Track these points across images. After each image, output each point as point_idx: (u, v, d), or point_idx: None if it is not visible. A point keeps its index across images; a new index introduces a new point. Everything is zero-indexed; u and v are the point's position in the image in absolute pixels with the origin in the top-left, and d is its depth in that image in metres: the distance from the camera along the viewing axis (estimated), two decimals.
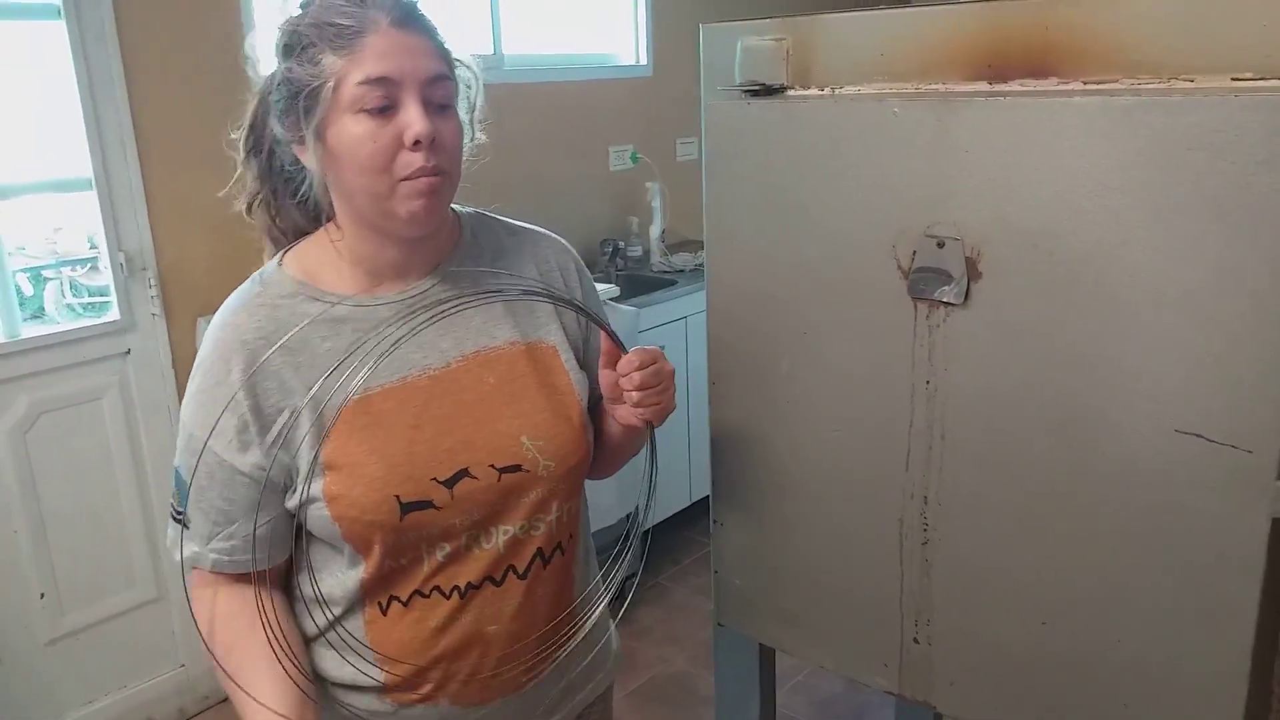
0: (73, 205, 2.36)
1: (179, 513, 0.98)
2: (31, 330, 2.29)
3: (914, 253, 0.96)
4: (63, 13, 2.16)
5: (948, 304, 0.95)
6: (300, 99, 0.91)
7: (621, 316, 2.73)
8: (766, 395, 1.13)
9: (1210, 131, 0.78)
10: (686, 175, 3.71)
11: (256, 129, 1.00)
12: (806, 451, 1.11)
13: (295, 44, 0.92)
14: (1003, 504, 0.96)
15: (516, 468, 1.00)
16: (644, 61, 3.64)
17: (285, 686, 0.93)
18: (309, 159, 0.94)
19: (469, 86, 1.01)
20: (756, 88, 1.10)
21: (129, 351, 2.36)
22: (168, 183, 2.32)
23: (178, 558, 0.98)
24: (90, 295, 2.57)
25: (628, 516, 2.92)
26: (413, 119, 0.90)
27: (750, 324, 1.13)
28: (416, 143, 0.90)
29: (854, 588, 1.11)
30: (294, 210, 1.03)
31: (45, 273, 2.48)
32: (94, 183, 2.25)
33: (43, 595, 2.30)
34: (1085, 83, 0.91)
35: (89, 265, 2.48)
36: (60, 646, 2.35)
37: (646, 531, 2.93)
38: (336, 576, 0.99)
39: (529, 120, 3.20)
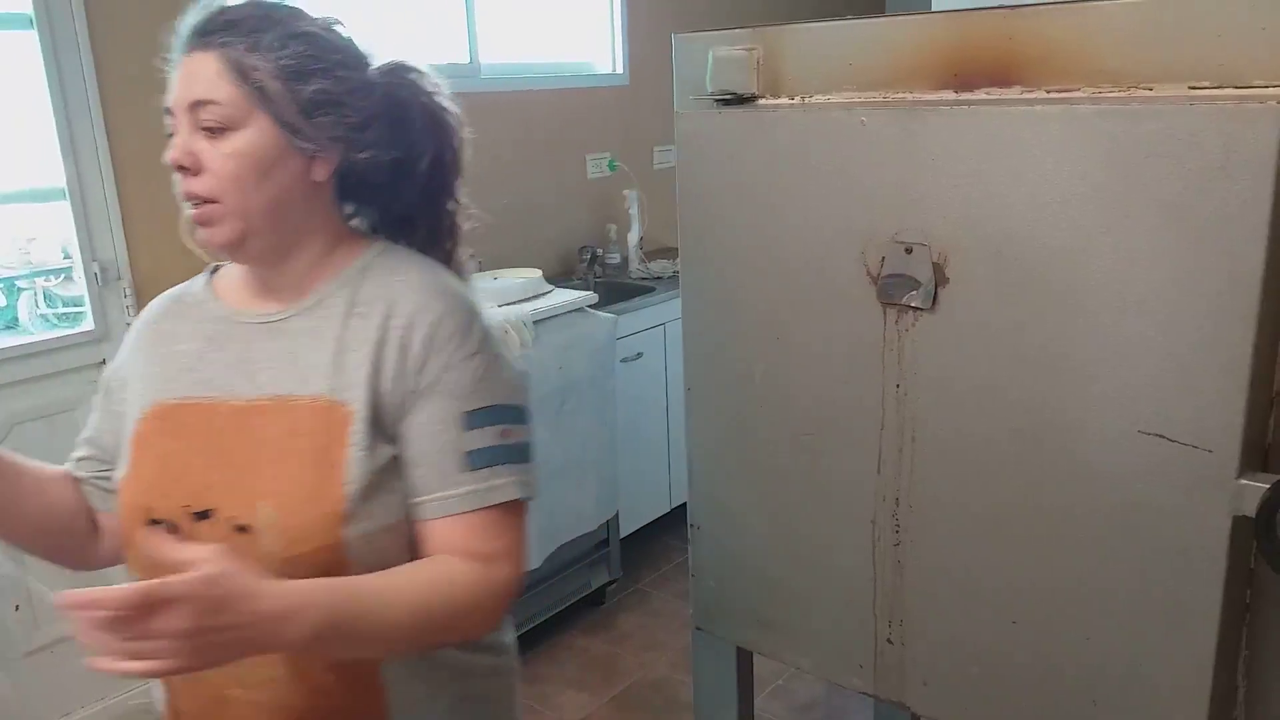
0: (47, 215, 2.35)
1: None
2: (5, 341, 2.28)
3: (883, 259, 0.98)
4: (35, 22, 2.15)
5: (916, 309, 0.97)
6: None
7: (599, 324, 2.74)
8: (741, 401, 1.14)
9: (1168, 139, 0.80)
10: (664, 183, 3.73)
11: None
12: (781, 456, 1.12)
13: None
14: (972, 505, 0.98)
15: (246, 530, 0.89)
16: (620, 70, 3.65)
17: None
18: None
19: (296, 83, 0.89)
20: (728, 97, 1.11)
21: (104, 362, 2.34)
22: (142, 192, 2.31)
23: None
24: (65, 306, 2.55)
25: (605, 524, 2.93)
26: (172, 145, 0.90)
27: (724, 330, 1.14)
28: (175, 166, 0.89)
29: (829, 590, 1.12)
30: None
31: (19, 283, 2.46)
32: (67, 193, 2.24)
33: (17, 607, 2.28)
34: (1049, 91, 0.93)
35: (63, 276, 2.46)
36: (37, 659, 2.33)
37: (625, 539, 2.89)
38: None
39: (506, 129, 3.21)
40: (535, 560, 2.61)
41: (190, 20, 0.91)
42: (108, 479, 1.01)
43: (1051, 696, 0.97)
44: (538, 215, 3.39)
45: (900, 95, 1.01)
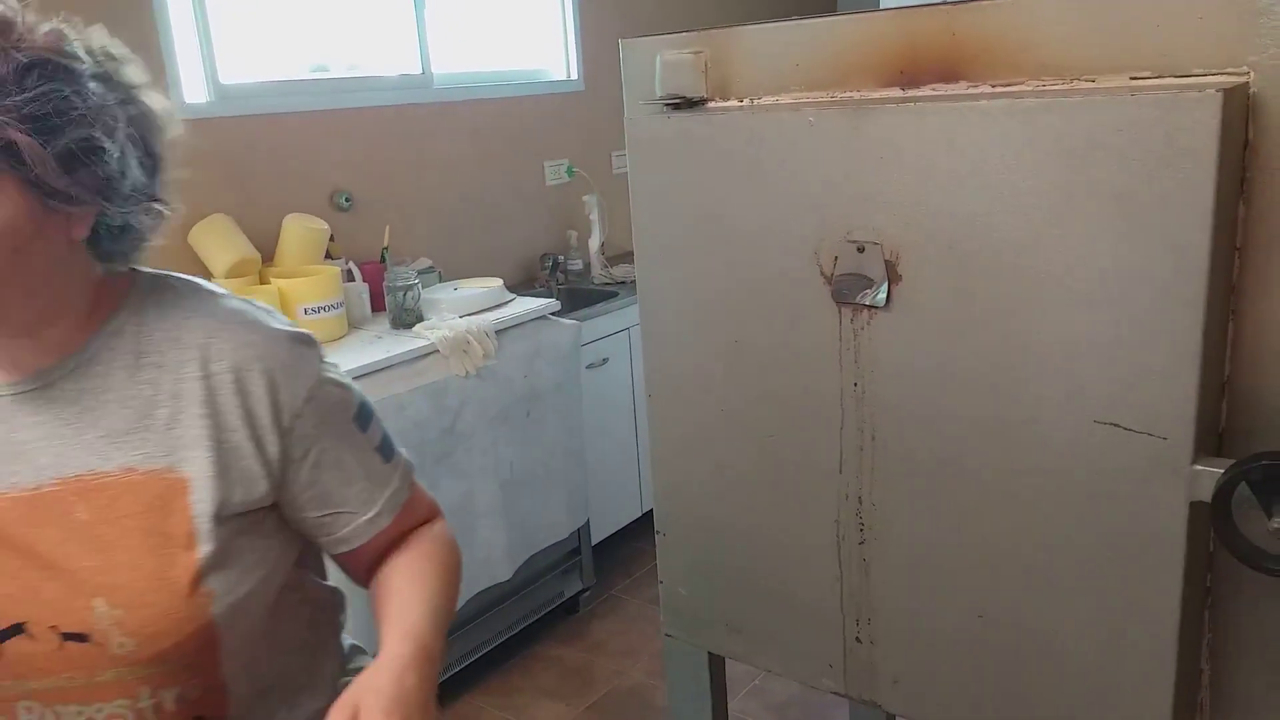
0: None
1: None
2: None
3: (835, 258, 0.98)
4: None
5: (871, 307, 0.97)
6: None
7: (563, 331, 2.73)
8: (702, 404, 1.14)
9: (1111, 130, 0.80)
10: (624, 187, 3.71)
11: None
12: (743, 458, 1.12)
13: None
14: (934, 501, 0.98)
15: (83, 638, 0.78)
16: (574, 76, 3.65)
17: None
18: None
19: (48, 136, 0.71)
20: (677, 101, 1.11)
21: None
22: None
23: None
24: None
25: (577, 532, 2.91)
26: None
27: (682, 334, 1.14)
28: None
29: (796, 591, 1.12)
30: None
31: None
32: None
33: None
34: (994, 86, 0.94)
35: None
36: None
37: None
38: None
39: (461, 139, 3.19)
40: (506, 571, 2.59)
41: None
42: None
43: (1019, 686, 0.97)
44: (497, 224, 3.37)
45: (848, 94, 1.01)
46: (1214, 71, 0.83)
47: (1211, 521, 0.82)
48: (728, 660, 1.27)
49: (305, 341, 0.90)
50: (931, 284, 0.93)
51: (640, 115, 1.13)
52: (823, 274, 1.00)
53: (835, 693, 1.12)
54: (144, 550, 0.79)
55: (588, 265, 3.56)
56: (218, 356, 0.83)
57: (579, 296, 3.32)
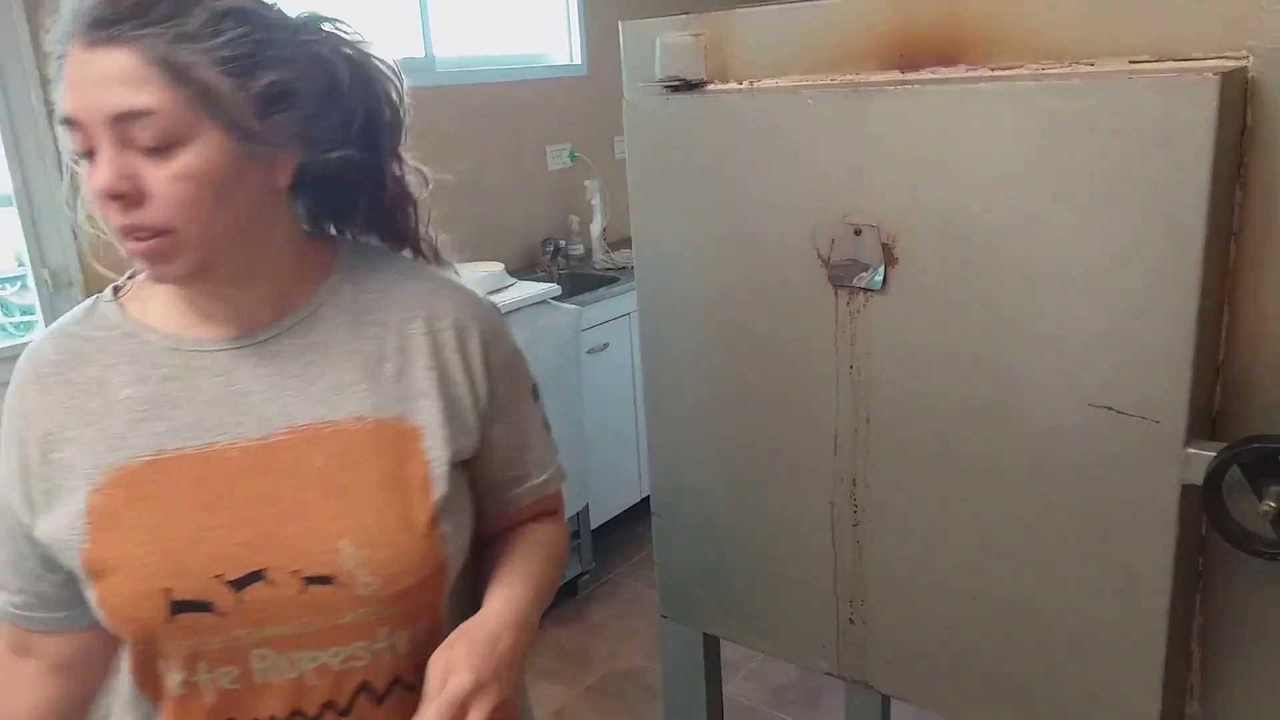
0: None
1: None
2: None
3: (832, 241, 0.98)
4: None
5: (867, 290, 0.97)
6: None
7: (563, 316, 2.73)
8: (699, 387, 1.14)
9: (1108, 113, 0.80)
10: (625, 172, 3.72)
11: None
12: (739, 441, 1.12)
13: (53, 62, 0.75)
14: (928, 483, 0.98)
15: (327, 579, 0.79)
16: (578, 60, 3.64)
17: None
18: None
19: (244, 78, 0.74)
20: (676, 83, 1.11)
21: None
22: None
23: None
24: (21, 314, 2.51)
25: (576, 516, 2.92)
26: (97, 169, 0.72)
27: (680, 317, 1.14)
28: (106, 195, 0.73)
29: (790, 572, 1.12)
30: None
31: None
32: (14, 199, 2.20)
33: None
34: (993, 69, 0.94)
35: (19, 284, 2.42)
36: None
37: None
38: (124, 661, 0.84)
39: (464, 122, 3.18)
40: None
41: (84, 5, 0.71)
42: (41, 606, 0.86)
43: (1011, 668, 0.98)
44: (498, 208, 3.37)
45: (848, 77, 1.01)
46: (1212, 56, 0.83)
47: (1203, 504, 0.82)
48: (725, 643, 1.27)
49: (501, 312, 0.99)
50: (928, 267, 0.93)
51: (639, 97, 1.13)
52: (820, 257, 1.00)
53: (829, 673, 1.13)
54: (384, 493, 0.82)
55: (589, 250, 3.57)
56: (440, 315, 0.89)
57: (580, 281, 3.32)
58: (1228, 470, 0.80)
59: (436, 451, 0.84)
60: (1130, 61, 0.86)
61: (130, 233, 0.74)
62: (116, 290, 0.89)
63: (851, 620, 1.08)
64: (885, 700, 1.91)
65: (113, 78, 0.71)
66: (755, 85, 1.07)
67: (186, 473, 0.79)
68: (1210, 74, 0.75)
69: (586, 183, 3.49)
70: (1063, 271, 0.85)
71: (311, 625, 0.80)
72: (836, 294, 1.00)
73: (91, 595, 0.79)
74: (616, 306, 3.10)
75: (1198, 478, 0.82)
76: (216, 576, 0.77)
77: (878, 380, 0.99)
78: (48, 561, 0.83)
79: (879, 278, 0.95)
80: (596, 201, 3.48)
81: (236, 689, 0.81)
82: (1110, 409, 0.85)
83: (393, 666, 0.84)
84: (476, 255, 3.08)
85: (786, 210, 1.01)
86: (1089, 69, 0.88)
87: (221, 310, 0.83)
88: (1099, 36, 0.87)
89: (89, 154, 0.73)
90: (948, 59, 0.96)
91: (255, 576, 0.78)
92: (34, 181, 2.20)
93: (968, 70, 0.95)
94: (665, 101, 1.10)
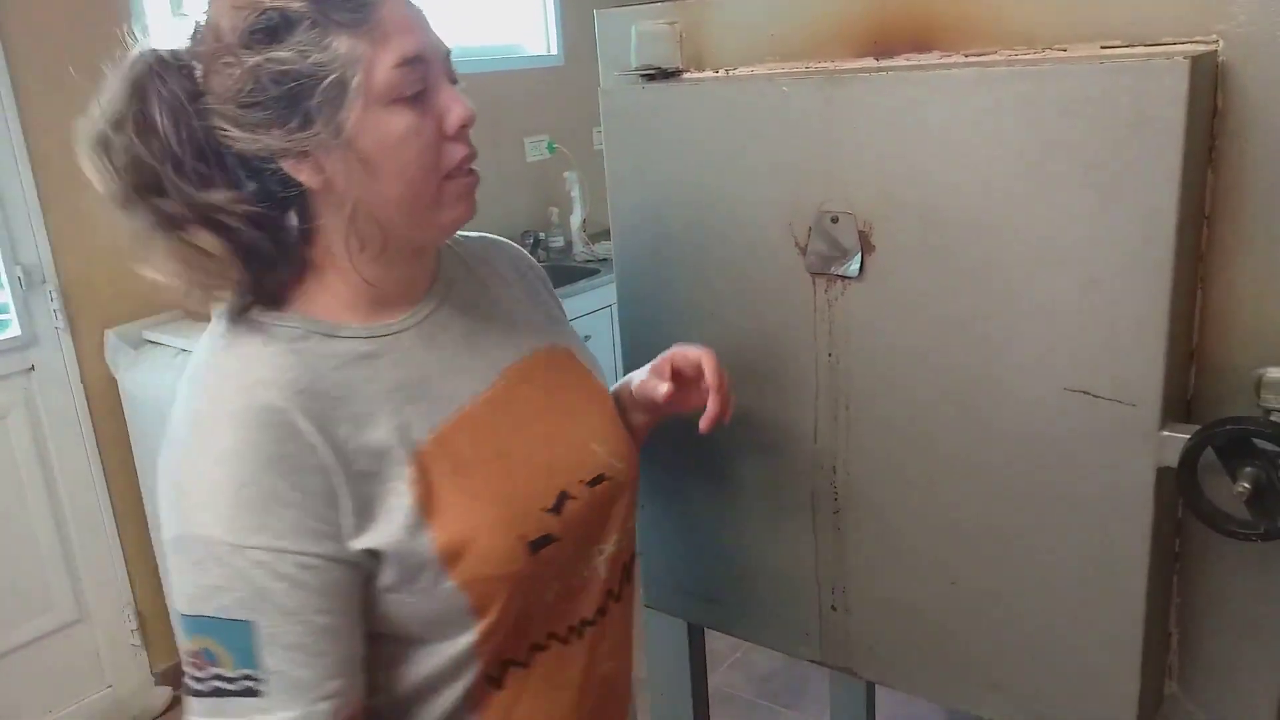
0: None
1: (240, 678, 0.70)
2: None
3: (810, 229, 0.98)
4: None
5: (844, 278, 0.97)
6: (312, 96, 0.71)
7: None
8: None
9: (1080, 98, 0.80)
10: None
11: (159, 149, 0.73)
12: (720, 429, 1.12)
13: (280, 25, 0.71)
14: (907, 469, 0.99)
15: (601, 478, 0.89)
16: (554, 51, 3.62)
17: None
18: (311, 173, 0.74)
19: None
20: (652, 72, 1.10)
21: (32, 368, 2.28)
22: (65, 192, 2.25)
23: None
24: None
25: None
26: (453, 101, 0.77)
27: (659, 307, 1.14)
28: (461, 128, 0.78)
29: (772, 560, 1.12)
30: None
31: None
32: None
33: None
34: (966, 55, 0.94)
35: None
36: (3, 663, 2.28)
37: None
38: (416, 668, 0.80)
39: None
40: None
41: None
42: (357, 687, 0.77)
43: (991, 653, 0.98)
44: (478, 200, 3.35)
45: (823, 65, 1.01)
46: (1183, 40, 0.83)
47: (1178, 486, 0.83)
48: (710, 633, 1.28)
49: None
50: (904, 254, 0.93)
51: (615, 86, 1.13)
52: (797, 245, 1.00)
53: (813, 661, 1.13)
54: (590, 401, 0.94)
55: (569, 242, 3.55)
56: (516, 259, 1.00)
57: (560, 274, 3.31)
58: (1202, 452, 0.81)
59: (588, 362, 0.98)
60: (1102, 46, 0.86)
61: (470, 161, 0.80)
62: (239, 313, 0.79)
63: (834, 607, 1.09)
64: (870, 687, 1.92)
65: (423, 19, 0.78)
66: (731, 73, 1.07)
67: (463, 437, 0.82)
68: (1180, 58, 0.75)
69: (565, 174, 3.48)
70: (1037, 256, 0.86)
71: (601, 520, 0.89)
72: (814, 282, 1.00)
73: (448, 582, 0.77)
74: (598, 299, 3.09)
75: (1173, 460, 0.82)
76: (542, 509, 0.83)
77: (856, 367, 0.99)
78: (356, 607, 0.76)
79: (856, 265, 0.95)
80: (576, 193, 3.47)
81: (561, 604, 0.87)
82: (1086, 393, 0.86)
83: (633, 543, 0.96)
84: None
85: (763, 199, 1.01)
86: (1061, 54, 0.88)
87: (396, 294, 0.84)
88: (1071, 22, 0.88)
89: (417, 96, 0.75)
90: (922, 45, 0.96)
91: (564, 496, 0.85)
92: (5, 177, 2.17)
93: (942, 56, 0.95)
94: (641, 90, 1.10)
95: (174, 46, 0.77)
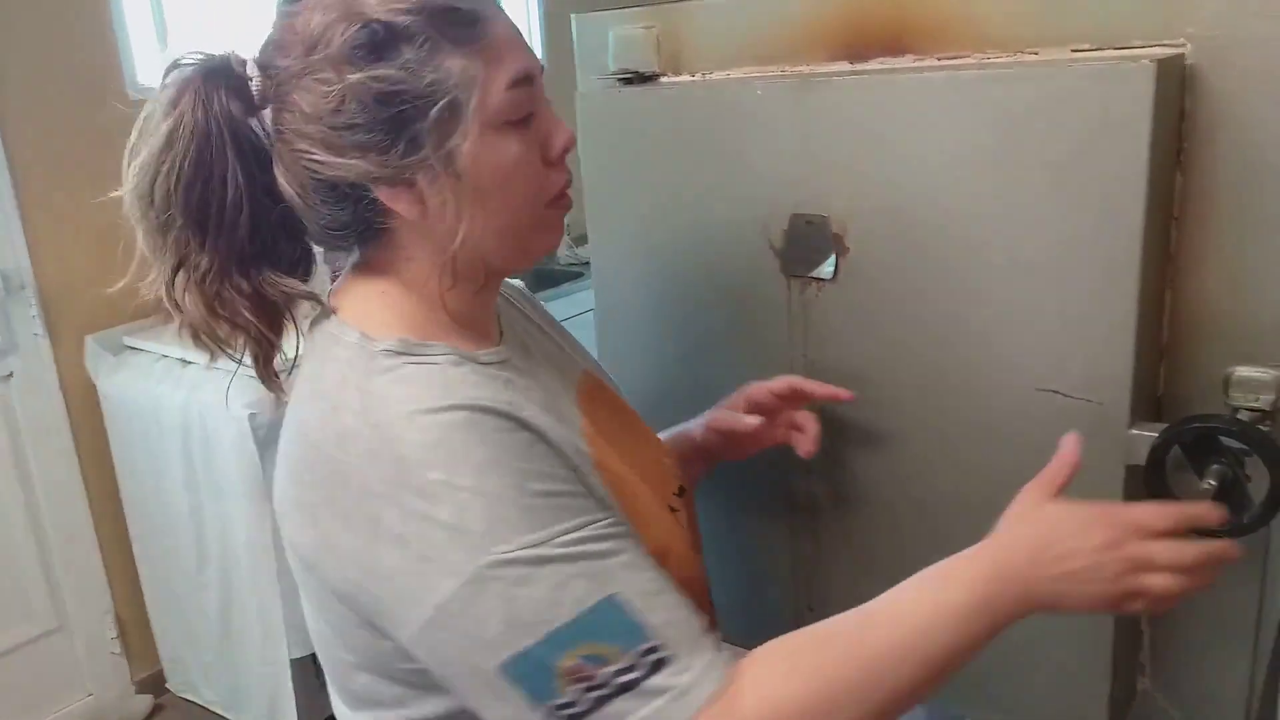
0: None
1: (640, 656, 0.64)
2: None
3: (784, 232, 0.99)
4: None
5: (819, 280, 0.98)
6: (423, 119, 0.66)
7: None
8: (655, 378, 1.14)
9: (1050, 101, 0.81)
10: None
11: (195, 168, 0.68)
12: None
13: (387, 40, 0.65)
14: (881, 470, 0.99)
15: (682, 489, 0.89)
16: (539, 55, 3.62)
17: None
18: (410, 204, 0.70)
19: None
20: (630, 75, 1.11)
21: (11, 375, 2.27)
22: (44, 197, 2.23)
23: None
24: None
25: None
26: (555, 124, 0.74)
27: (636, 310, 1.14)
28: (564, 153, 0.75)
29: (750, 561, 1.13)
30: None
31: None
32: None
33: None
34: (939, 59, 0.95)
35: None
36: None
37: None
38: None
39: None
40: None
41: None
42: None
43: None
44: None
45: (798, 68, 1.02)
46: (1152, 43, 0.84)
47: (1146, 484, 0.84)
48: None
49: None
50: (878, 256, 0.94)
51: (593, 90, 1.13)
52: (772, 247, 1.00)
53: None
54: (637, 418, 0.93)
55: None
56: (516, 288, 0.95)
57: (544, 277, 3.31)
58: (1169, 450, 0.82)
59: (612, 384, 0.96)
60: (1073, 50, 0.88)
61: (569, 187, 0.77)
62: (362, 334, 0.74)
63: (810, 608, 1.09)
64: None
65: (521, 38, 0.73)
66: (708, 77, 1.07)
67: (598, 437, 0.80)
68: (1147, 61, 0.76)
69: None
70: (1008, 258, 0.86)
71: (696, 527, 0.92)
72: (789, 284, 1.00)
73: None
74: (581, 302, 3.09)
75: (1141, 458, 0.83)
76: (673, 492, 0.87)
77: (831, 368, 1.00)
78: None
79: (830, 268, 0.96)
80: None
81: None
82: (1056, 392, 0.86)
83: None
84: None
85: (739, 201, 1.02)
86: (1033, 57, 0.89)
87: (483, 324, 0.80)
88: (1041, 25, 0.89)
89: (524, 119, 0.71)
90: (895, 49, 0.97)
91: (670, 509, 0.85)
92: None
93: (915, 60, 0.96)
94: (619, 94, 1.10)
95: (225, 55, 0.71)
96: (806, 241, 0.97)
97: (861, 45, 0.99)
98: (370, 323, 0.73)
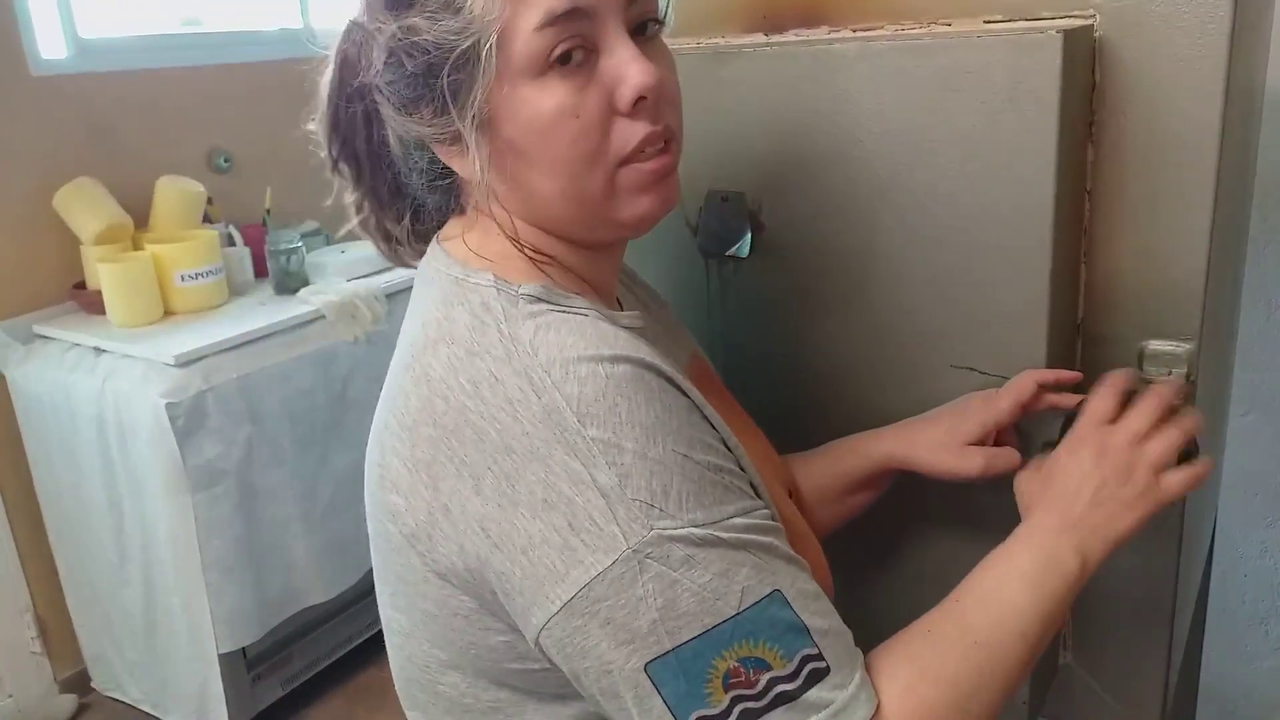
0: None
1: (800, 663, 0.57)
2: None
3: (700, 209, 0.96)
4: None
5: (736, 258, 0.95)
6: (442, 74, 0.60)
7: None
8: None
9: (960, 73, 0.80)
10: None
11: (339, 118, 0.69)
12: None
13: None
14: (800, 447, 0.98)
15: (790, 492, 0.85)
16: None
17: None
18: (467, 164, 0.64)
19: None
20: None
21: None
22: None
23: None
24: None
25: None
26: (626, 64, 0.61)
27: None
28: (639, 100, 0.62)
29: None
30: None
31: None
32: None
33: None
34: (854, 30, 0.93)
35: None
36: None
37: None
38: None
39: None
40: None
41: None
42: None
43: (888, 629, 0.98)
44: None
45: (713, 40, 0.99)
46: (1061, 15, 0.83)
47: None
48: None
49: None
50: (794, 233, 0.92)
51: None
52: (688, 225, 0.98)
53: None
54: (740, 409, 0.87)
55: None
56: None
57: None
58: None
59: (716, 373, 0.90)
60: (985, 21, 0.86)
61: (654, 143, 0.63)
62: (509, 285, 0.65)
63: None
64: None
65: None
66: None
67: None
68: (1054, 32, 0.74)
69: None
70: (921, 234, 0.85)
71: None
72: (707, 264, 0.98)
73: None
74: None
75: (1054, 434, 0.82)
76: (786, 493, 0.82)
77: (751, 346, 0.98)
78: None
79: (746, 246, 0.94)
80: None
81: None
82: (973, 370, 0.85)
83: None
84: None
85: None
86: (946, 28, 0.88)
87: (609, 286, 0.73)
88: None
89: (577, 64, 0.60)
90: (811, 20, 0.95)
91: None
92: None
93: (830, 31, 0.94)
94: None
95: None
96: (723, 218, 0.95)
97: (777, 16, 0.97)
98: (501, 269, 0.65)
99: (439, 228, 0.74)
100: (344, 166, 0.72)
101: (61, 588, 2.39)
